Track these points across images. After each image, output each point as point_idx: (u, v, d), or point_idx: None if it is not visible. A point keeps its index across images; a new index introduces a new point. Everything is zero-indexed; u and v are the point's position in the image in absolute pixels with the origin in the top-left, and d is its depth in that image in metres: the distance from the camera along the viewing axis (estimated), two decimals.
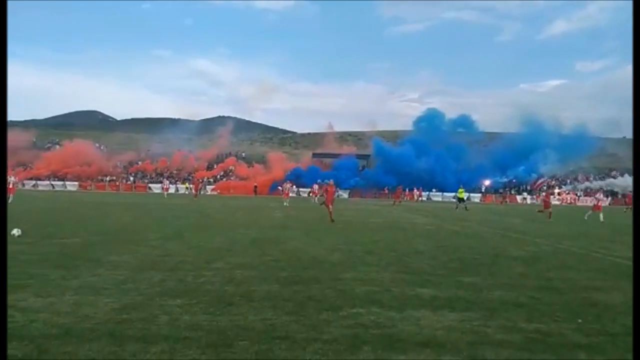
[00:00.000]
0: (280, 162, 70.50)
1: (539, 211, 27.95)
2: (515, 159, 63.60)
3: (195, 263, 8.18)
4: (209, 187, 61.20)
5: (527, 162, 63.59)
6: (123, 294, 5.85)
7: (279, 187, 45.83)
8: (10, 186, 22.39)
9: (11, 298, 5.40)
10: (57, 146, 76.60)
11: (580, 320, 5.29)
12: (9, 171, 23.84)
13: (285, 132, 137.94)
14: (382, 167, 65.49)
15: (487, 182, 62.98)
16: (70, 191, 55.22)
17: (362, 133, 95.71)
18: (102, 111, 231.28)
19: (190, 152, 74.86)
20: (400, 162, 62.25)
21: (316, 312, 5.25)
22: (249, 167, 69.80)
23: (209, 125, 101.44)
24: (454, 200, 40.52)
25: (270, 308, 5.36)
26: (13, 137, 73.63)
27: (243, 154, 76.16)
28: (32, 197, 32.80)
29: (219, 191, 60.69)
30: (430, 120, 70.54)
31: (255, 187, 58.23)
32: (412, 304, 5.81)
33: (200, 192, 45.77)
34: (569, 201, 59.74)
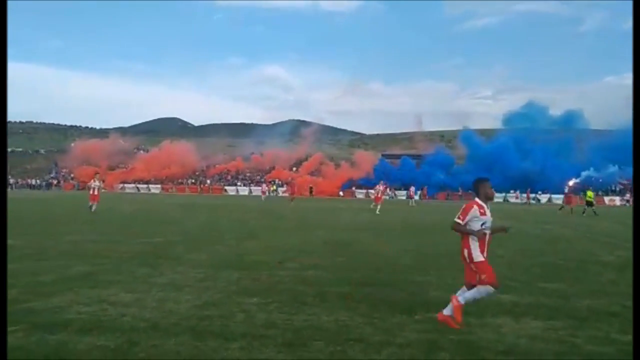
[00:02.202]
0: (368, 161, 69.37)
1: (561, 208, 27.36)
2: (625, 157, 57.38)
3: (269, 263, 8.39)
4: (280, 190, 61.50)
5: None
6: (203, 291, 6.13)
7: (373, 190, 41.60)
8: (95, 192, 19.88)
9: (104, 293, 5.87)
10: (142, 151, 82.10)
11: None
12: (93, 176, 22.55)
13: (353, 133, 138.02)
14: (474, 165, 61.24)
15: (570, 183, 58.76)
16: (153, 193, 58.89)
17: (431, 132, 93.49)
18: (181, 118, 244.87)
19: (261, 155, 77.01)
20: (498, 159, 57.77)
21: (390, 315, 5.18)
22: (335, 167, 69.82)
23: (279, 129, 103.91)
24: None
25: (343, 309, 5.36)
26: (104, 143, 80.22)
27: (306, 157, 77.20)
28: (120, 199, 35.49)
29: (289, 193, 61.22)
30: (527, 116, 64.91)
31: (311, 188, 57.15)
32: (491, 310, 5.54)
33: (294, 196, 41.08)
34: None
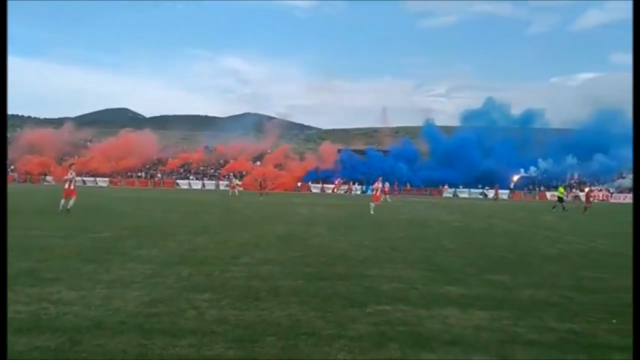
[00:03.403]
0: (332, 153, 68.31)
1: (585, 207, 28.75)
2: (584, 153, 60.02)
3: (222, 258, 8.28)
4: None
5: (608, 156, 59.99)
6: (152, 287, 5.96)
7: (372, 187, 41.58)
8: (72, 187, 17.30)
9: (45, 291, 5.59)
10: (89, 143, 78.51)
11: (614, 321, 5.12)
12: (68, 169, 19.58)
13: (310, 128, 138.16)
14: (436, 160, 62.19)
15: (515, 178, 61.39)
16: (101, 187, 56.67)
17: (388, 128, 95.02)
18: (132, 109, 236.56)
19: (211, 150, 75.43)
20: (459, 155, 58.71)
21: (342, 309, 5.23)
22: (300, 160, 68.83)
23: (235, 123, 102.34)
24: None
25: (296, 304, 5.37)
26: (54, 133, 75.73)
27: (269, 151, 76.43)
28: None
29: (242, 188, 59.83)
30: (487, 114, 66.75)
31: (261, 182, 55.96)
32: (439, 302, 5.72)
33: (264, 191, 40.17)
34: (601, 198, 57.97)
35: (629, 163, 59.75)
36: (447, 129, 71.16)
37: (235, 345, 4.03)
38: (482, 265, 8.42)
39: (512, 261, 9.06)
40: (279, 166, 66.47)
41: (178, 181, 63.98)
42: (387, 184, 41.48)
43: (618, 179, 62.23)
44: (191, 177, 65.73)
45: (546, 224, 19.19)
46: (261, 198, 35.32)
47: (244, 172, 64.25)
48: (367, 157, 66.42)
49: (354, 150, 70.71)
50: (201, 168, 70.57)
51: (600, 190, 60.31)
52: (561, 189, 34.22)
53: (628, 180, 61.04)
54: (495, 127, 64.54)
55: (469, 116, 69.22)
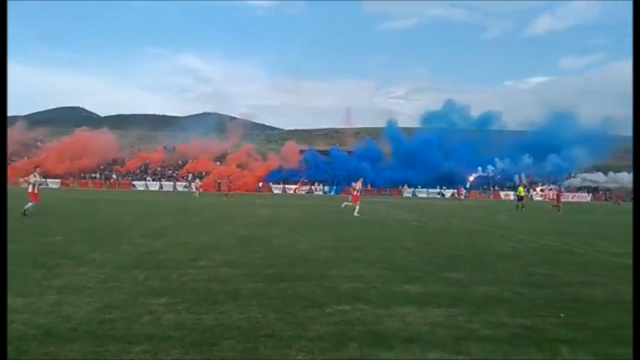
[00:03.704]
0: (295, 153, 67.94)
1: (553, 206, 29.99)
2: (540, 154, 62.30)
3: (180, 261, 8.10)
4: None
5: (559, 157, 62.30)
6: (105, 293, 5.76)
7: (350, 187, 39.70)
8: (35, 190, 16.46)
9: None
10: (39, 142, 75.02)
11: (563, 315, 5.35)
12: (32, 170, 18.06)
13: (272, 128, 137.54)
14: (398, 161, 63.03)
15: (471, 178, 63.37)
16: (52, 189, 54.33)
17: (349, 129, 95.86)
18: (86, 107, 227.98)
19: (171, 150, 73.77)
20: (421, 156, 59.84)
21: (302, 310, 5.23)
22: (263, 159, 68.14)
23: (194, 122, 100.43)
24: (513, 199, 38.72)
25: (256, 306, 5.32)
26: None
27: (229, 151, 75.38)
28: (16, 194, 32.06)
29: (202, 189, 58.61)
30: (446, 115, 68.51)
31: (219, 183, 54.79)
32: (398, 300, 5.82)
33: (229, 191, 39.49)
34: (551, 197, 60.59)
35: (579, 164, 63.00)
36: (406, 130, 72.49)
37: (192, 350, 3.95)
38: (440, 264, 8.62)
39: (468, 259, 9.33)
40: (241, 166, 65.66)
41: (134, 182, 62.16)
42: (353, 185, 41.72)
43: (568, 178, 65.34)
44: (148, 178, 63.95)
45: (500, 222, 19.87)
46: (225, 199, 34.81)
47: (203, 173, 63.14)
48: (330, 157, 66.59)
49: (318, 151, 70.85)
50: (159, 169, 68.82)
51: (551, 189, 63.07)
52: (521, 188, 35.67)
53: (578, 180, 64.19)
54: (454, 129, 66.36)
55: (429, 118, 70.84)
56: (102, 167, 67.84)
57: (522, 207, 31.27)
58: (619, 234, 15.70)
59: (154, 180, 63.39)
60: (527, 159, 62.37)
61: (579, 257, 10.20)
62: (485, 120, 68.63)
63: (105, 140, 69.54)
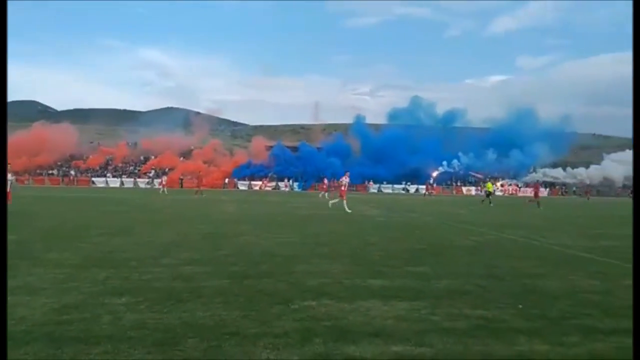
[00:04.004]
0: (264, 150, 67.28)
1: (529, 201, 30.82)
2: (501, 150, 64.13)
3: (142, 259, 7.92)
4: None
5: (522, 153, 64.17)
6: (63, 293, 5.57)
7: (326, 181, 38.97)
8: (7, 189, 15.72)
9: None
10: None
11: (520, 306, 5.54)
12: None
13: (237, 124, 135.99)
14: (366, 157, 63.24)
15: (434, 173, 64.65)
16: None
17: (315, 125, 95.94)
18: (42, 101, 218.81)
19: (133, 145, 71.87)
20: (388, 152, 60.43)
21: (267, 306, 5.21)
22: (231, 155, 67.11)
23: (157, 117, 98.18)
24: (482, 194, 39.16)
25: (220, 304, 5.26)
26: None
27: (192, 147, 74.00)
28: None
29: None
30: (412, 112, 69.40)
31: (181, 180, 53.58)
32: (362, 295, 5.88)
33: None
34: (510, 192, 62.64)
35: (540, 159, 65.53)
36: (372, 127, 73.22)
37: (154, 349, 3.87)
38: (404, 258, 8.77)
39: (431, 253, 9.52)
40: (208, 162, 64.60)
41: (94, 179, 60.20)
42: (325, 181, 41.78)
43: (530, 173, 67.67)
44: (108, 175, 62.07)
45: (462, 217, 20.38)
46: (196, 196, 33.89)
47: (167, 169, 61.83)
48: (300, 153, 66.27)
49: (286, 147, 70.52)
50: (120, 165, 66.91)
51: (510, 184, 65.19)
52: (490, 184, 36.53)
53: (540, 175, 66.59)
54: (420, 126, 67.51)
55: (395, 114, 71.74)
56: (59, 163, 65.38)
57: (490, 203, 32.12)
58: (575, 227, 16.41)
59: (114, 176, 61.59)
60: (491, 155, 64.24)
61: (536, 249, 10.59)
62: (450, 117, 70.17)
63: (64, 135, 66.91)
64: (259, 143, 71.64)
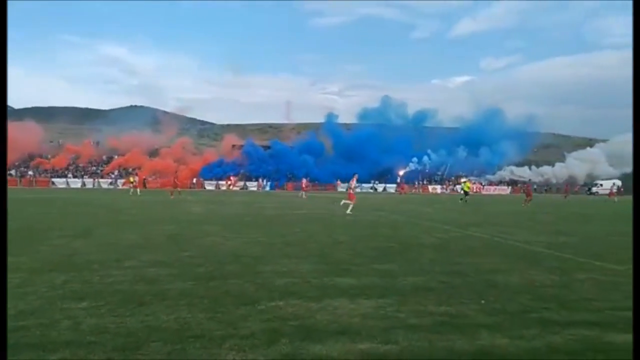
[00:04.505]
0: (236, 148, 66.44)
1: (524, 201, 31.29)
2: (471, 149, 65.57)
3: (103, 262, 7.69)
4: (120, 182, 55.65)
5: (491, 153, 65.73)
6: (19, 298, 5.35)
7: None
8: None
9: None
10: None
11: (483, 301, 5.68)
12: None
13: (204, 123, 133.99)
14: (338, 155, 63.03)
15: (401, 172, 65.53)
16: None
17: (284, 125, 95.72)
18: None
19: (96, 144, 69.68)
20: (360, 151, 60.47)
21: (233, 308, 5.16)
22: (199, 154, 65.69)
23: (121, 116, 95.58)
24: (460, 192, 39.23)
25: (184, 306, 5.17)
26: None
27: (156, 147, 72.21)
28: None
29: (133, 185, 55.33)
30: (383, 112, 70.07)
31: (145, 180, 52.42)
32: (330, 293, 5.90)
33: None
34: (475, 190, 64.14)
35: (507, 158, 67.55)
36: (342, 126, 73.58)
37: (115, 354, 3.77)
38: (371, 256, 8.85)
39: (397, 251, 9.65)
40: (178, 161, 63.21)
41: (54, 180, 58.01)
42: (304, 180, 41.59)
43: (497, 172, 69.52)
44: (70, 175, 59.96)
45: (427, 215, 20.73)
46: (172, 197, 32.82)
47: (131, 169, 60.25)
48: (272, 150, 65.53)
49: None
50: (81, 165, 64.71)
51: (474, 183, 66.73)
52: (468, 183, 37.27)
53: (507, 172, 68.52)
54: (391, 125, 68.41)
55: (366, 114, 72.46)
56: (17, 163, 62.66)
57: (466, 201, 32.78)
58: (536, 224, 16.95)
59: (75, 177, 59.54)
60: (461, 152, 65.81)
61: (498, 246, 10.89)
62: (421, 117, 71.50)
63: (24, 134, 64.04)
64: (231, 141, 70.86)
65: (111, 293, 5.67)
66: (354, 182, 22.21)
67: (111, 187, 54.22)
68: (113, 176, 59.04)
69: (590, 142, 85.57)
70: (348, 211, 19.73)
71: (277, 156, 63.53)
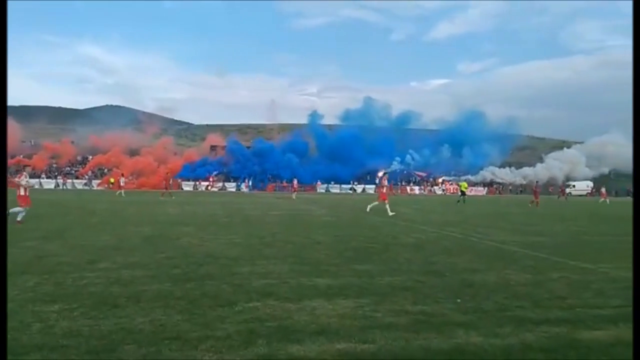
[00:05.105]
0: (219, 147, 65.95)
1: (531, 202, 31.72)
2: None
3: (77, 264, 7.53)
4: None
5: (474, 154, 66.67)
6: None
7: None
8: (27, 193, 14.57)
9: None
10: None
11: (459, 300, 5.77)
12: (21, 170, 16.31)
13: (181, 123, 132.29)
14: (324, 156, 63.16)
15: (380, 174, 65.95)
16: None
17: (263, 125, 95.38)
18: None
19: (73, 143, 68.16)
20: (344, 151, 60.61)
21: (210, 309, 5.11)
22: (179, 154, 64.88)
23: (96, 115, 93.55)
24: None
25: (160, 308, 5.10)
26: None
27: (133, 147, 70.86)
28: None
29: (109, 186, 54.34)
30: (366, 113, 70.49)
31: (120, 180, 52.00)
32: (308, 294, 5.90)
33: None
34: (452, 191, 65.04)
35: (490, 159, 68.83)
36: (324, 127, 73.79)
37: (88, 357, 3.69)
38: (349, 256, 8.89)
39: (376, 251, 9.71)
40: (159, 161, 62.22)
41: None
42: (295, 181, 41.44)
43: (478, 172, 70.69)
44: (43, 176, 58.43)
45: (405, 215, 20.90)
46: (162, 197, 32.07)
47: (105, 170, 59.11)
48: (255, 149, 64.98)
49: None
50: (54, 165, 63.13)
51: (452, 183, 67.70)
52: (464, 184, 37.89)
53: (488, 173, 69.73)
54: (373, 127, 68.89)
55: (348, 115, 72.71)
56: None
57: (464, 202, 33.20)
58: (511, 224, 17.28)
59: (49, 177, 58.09)
60: (445, 152, 66.74)
61: (474, 245, 11.06)
62: (403, 119, 72.23)
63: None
64: (211, 141, 70.31)
65: (84, 295, 5.55)
66: (385, 181, 21.80)
67: (86, 187, 53.12)
68: (88, 177, 57.80)
69: (563, 144, 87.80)
70: (390, 213, 19.32)
71: (261, 155, 63.13)
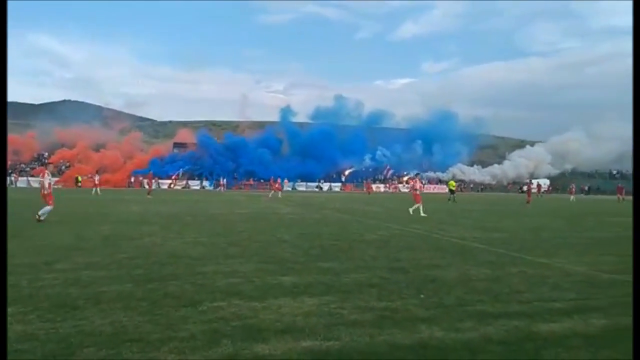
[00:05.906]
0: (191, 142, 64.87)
1: (527, 202, 32.17)
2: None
3: (33, 265, 7.24)
4: (54, 179, 52.28)
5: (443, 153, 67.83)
6: None
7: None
8: (51, 192, 14.70)
9: None
10: None
11: (422, 296, 5.88)
12: (43, 170, 16.94)
13: (143, 119, 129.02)
14: (297, 152, 62.94)
15: (347, 172, 66.53)
16: None
17: (230, 122, 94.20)
18: None
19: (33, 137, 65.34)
20: (315, 149, 60.66)
21: (173, 310, 5.02)
22: (145, 151, 63.09)
23: (53, 111, 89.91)
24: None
25: (121, 309, 4.97)
26: None
27: (96, 144, 68.60)
28: None
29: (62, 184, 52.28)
30: (336, 111, 70.81)
31: (77, 178, 50.54)
32: (273, 292, 5.89)
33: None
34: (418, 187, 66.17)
35: (458, 157, 70.51)
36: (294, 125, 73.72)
37: None
38: (314, 254, 8.91)
39: (341, 248, 9.78)
40: (125, 156, 60.39)
41: None
42: (279, 180, 41.03)
43: (446, 170, 72.18)
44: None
45: (370, 213, 21.16)
46: (149, 196, 31.41)
47: (63, 167, 56.99)
48: (227, 143, 63.80)
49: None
50: (10, 162, 60.24)
51: (414, 179, 68.77)
52: (452, 182, 38.46)
53: (457, 171, 71.31)
54: (344, 124, 69.35)
55: (318, 113, 72.87)
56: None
57: (454, 200, 33.54)
58: (471, 221, 17.75)
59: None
60: (416, 149, 67.91)
61: (437, 242, 11.31)
62: (374, 117, 73.04)
63: None
64: (183, 136, 68.94)
65: (41, 298, 5.35)
66: (418, 183, 22.05)
67: (38, 186, 50.94)
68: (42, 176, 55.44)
69: (522, 144, 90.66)
70: (422, 213, 19.43)
71: (233, 149, 62.01)
